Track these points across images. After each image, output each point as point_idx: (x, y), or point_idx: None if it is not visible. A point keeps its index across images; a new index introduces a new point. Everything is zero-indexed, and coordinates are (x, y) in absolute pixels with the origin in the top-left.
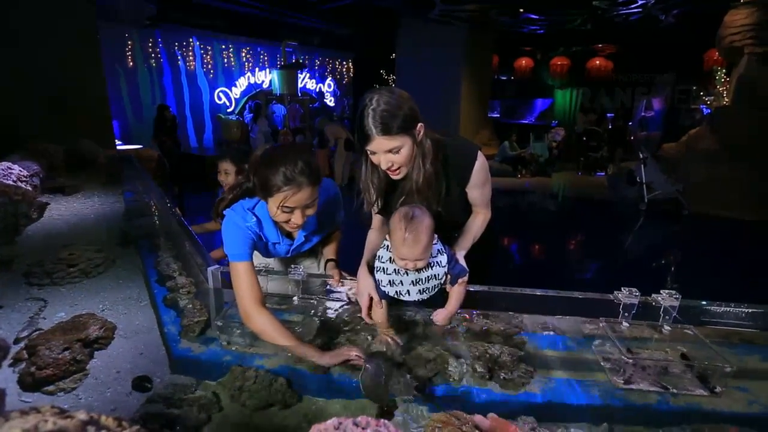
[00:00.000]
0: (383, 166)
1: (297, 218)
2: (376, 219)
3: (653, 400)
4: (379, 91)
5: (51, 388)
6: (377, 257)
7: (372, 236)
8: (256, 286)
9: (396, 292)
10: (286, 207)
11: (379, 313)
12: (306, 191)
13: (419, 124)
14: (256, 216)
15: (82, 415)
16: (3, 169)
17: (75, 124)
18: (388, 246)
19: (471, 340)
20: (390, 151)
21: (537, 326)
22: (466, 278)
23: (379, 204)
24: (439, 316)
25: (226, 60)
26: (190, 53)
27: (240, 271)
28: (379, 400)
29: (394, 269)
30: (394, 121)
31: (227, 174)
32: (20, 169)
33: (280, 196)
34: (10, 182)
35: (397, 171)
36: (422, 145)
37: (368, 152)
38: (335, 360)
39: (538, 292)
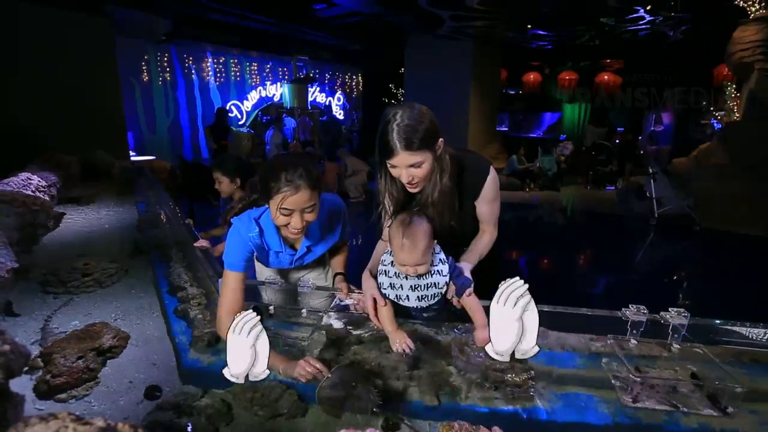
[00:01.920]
0: (404, 180)
1: (296, 222)
2: (387, 231)
3: (662, 420)
4: (402, 107)
5: (64, 395)
6: (381, 261)
7: (380, 246)
8: (238, 297)
9: (396, 295)
10: (285, 209)
11: (384, 312)
12: (304, 194)
13: (440, 140)
14: (260, 225)
15: (99, 422)
16: (22, 180)
17: (91, 136)
18: (391, 251)
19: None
20: (412, 165)
21: (544, 342)
22: (471, 289)
23: (395, 210)
24: (479, 336)
25: (238, 74)
26: (204, 67)
27: (228, 280)
28: (334, 414)
29: (395, 272)
30: (417, 136)
31: (220, 183)
32: (39, 179)
33: (279, 197)
34: (29, 192)
35: (416, 185)
36: (441, 159)
37: (389, 165)
38: (294, 372)
39: (546, 308)
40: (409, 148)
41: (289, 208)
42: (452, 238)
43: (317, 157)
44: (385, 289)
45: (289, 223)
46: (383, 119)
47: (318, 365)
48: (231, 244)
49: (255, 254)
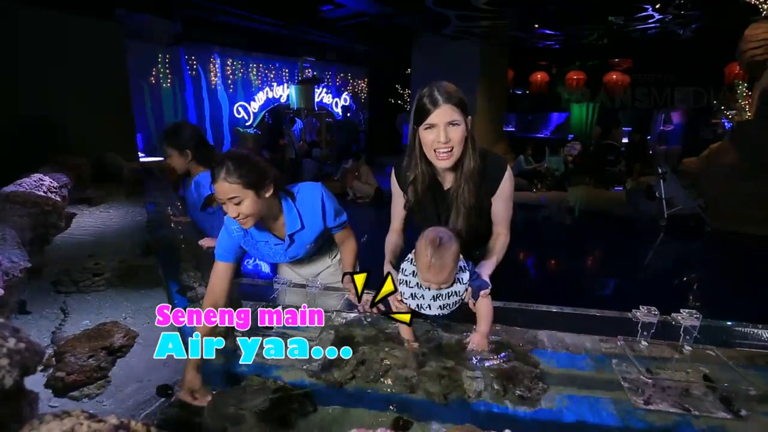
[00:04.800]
0: (441, 139)
1: (229, 210)
2: (397, 222)
3: (674, 422)
4: (436, 80)
5: (76, 393)
6: (401, 270)
7: (392, 238)
8: (220, 288)
9: (417, 305)
10: (218, 198)
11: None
12: (222, 185)
13: (469, 117)
14: None
15: (113, 420)
16: (35, 181)
17: (101, 138)
18: (411, 259)
19: (487, 357)
20: (450, 123)
21: (553, 343)
22: (488, 291)
23: (419, 194)
24: (474, 340)
25: (245, 75)
26: (211, 69)
27: (215, 269)
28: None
29: (417, 283)
30: (456, 94)
31: (169, 157)
32: (51, 180)
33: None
34: (42, 193)
35: (449, 154)
36: (471, 135)
37: (425, 128)
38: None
39: (555, 309)
40: (450, 101)
41: (220, 197)
42: (469, 236)
43: (324, 158)
44: (406, 299)
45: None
46: (419, 91)
47: (196, 399)
48: (220, 237)
49: (246, 248)
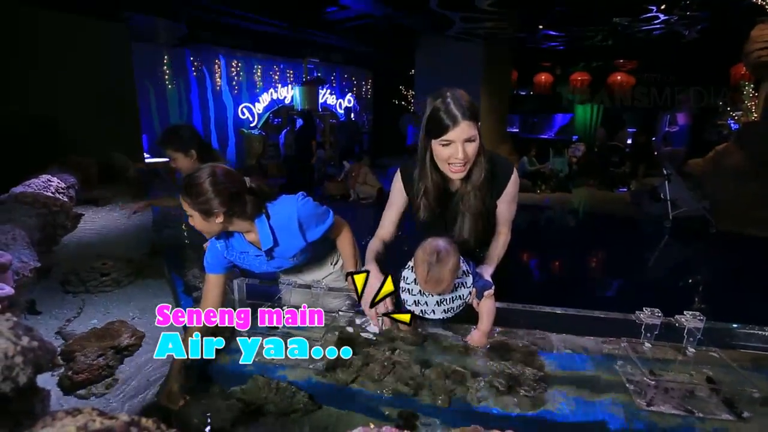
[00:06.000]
0: (459, 157)
1: (188, 218)
2: (385, 229)
3: (677, 424)
4: (447, 88)
5: (84, 392)
6: (403, 278)
7: (375, 245)
8: (212, 299)
9: (421, 311)
10: None
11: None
12: (181, 198)
13: (479, 123)
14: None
15: (124, 417)
16: (43, 181)
17: (107, 138)
18: (412, 267)
19: (491, 357)
20: (468, 139)
21: (557, 345)
22: (492, 291)
23: (431, 202)
24: (474, 337)
25: (249, 76)
26: (216, 70)
27: (206, 281)
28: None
29: (419, 290)
30: (473, 107)
31: (174, 160)
32: (58, 181)
33: None
34: (50, 194)
35: (464, 166)
36: (481, 143)
37: (441, 144)
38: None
39: (558, 311)
40: (467, 117)
41: None
42: (474, 239)
43: (328, 159)
44: (409, 305)
45: None
46: (431, 101)
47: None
48: (207, 249)
49: (231, 259)
